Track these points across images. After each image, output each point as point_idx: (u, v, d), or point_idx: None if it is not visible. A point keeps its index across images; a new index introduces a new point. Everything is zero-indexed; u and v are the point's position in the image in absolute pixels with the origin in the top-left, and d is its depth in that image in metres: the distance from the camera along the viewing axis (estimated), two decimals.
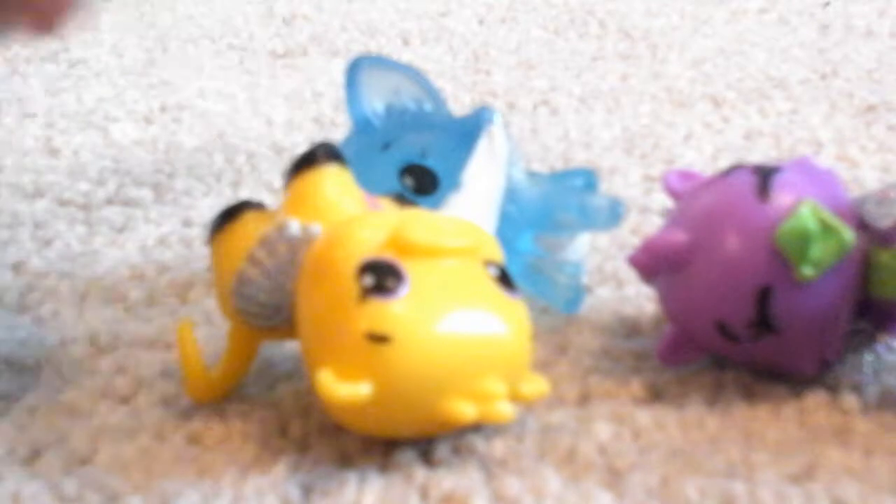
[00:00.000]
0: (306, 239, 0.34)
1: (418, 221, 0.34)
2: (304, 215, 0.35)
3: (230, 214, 0.37)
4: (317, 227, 0.34)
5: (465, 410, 0.32)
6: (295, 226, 0.34)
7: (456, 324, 0.32)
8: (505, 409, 0.32)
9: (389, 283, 0.32)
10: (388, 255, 0.33)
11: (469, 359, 0.32)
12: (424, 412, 0.32)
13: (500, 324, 0.33)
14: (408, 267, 0.33)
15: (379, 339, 0.31)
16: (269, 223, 0.35)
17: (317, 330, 0.33)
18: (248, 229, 0.36)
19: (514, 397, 0.33)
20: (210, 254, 0.38)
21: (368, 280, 0.32)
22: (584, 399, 0.37)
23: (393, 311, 0.32)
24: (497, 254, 0.35)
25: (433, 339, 0.32)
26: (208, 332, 0.41)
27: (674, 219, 0.37)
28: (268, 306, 0.35)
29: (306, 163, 0.36)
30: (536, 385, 0.34)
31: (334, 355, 0.32)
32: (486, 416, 0.32)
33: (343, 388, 0.31)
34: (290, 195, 0.36)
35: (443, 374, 0.32)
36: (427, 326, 0.32)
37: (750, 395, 0.37)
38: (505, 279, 0.34)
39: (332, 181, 0.36)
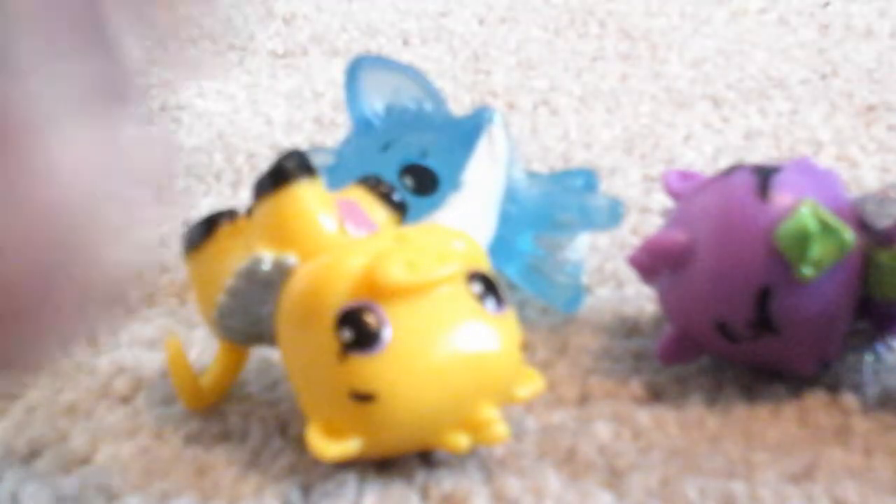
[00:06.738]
0: (282, 271, 0.33)
1: (395, 256, 0.32)
2: (280, 241, 0.34)
3: (204, 231, 0.36)
4: (292, 259, 0.33)
5: (461, 442, 0.32)
6: (267, 261, 0.33)
7: (442, 364, 0.32)
8: (500, 431, 0.32)
9: (369, 336, 0.31)
10: (366, 299, 0.32)
11: (460, 394, 0.32)
12: (419, 448, 0.33)
13: (488, 347, 0.32)
14: (388, 308, 0.32)
15: (364, 397, 0.31)
16: (243, 243, 0.34)
17: (302, 382, 0.33)
18: (224, 249, 0.35)
19: (511, 401, 0.33)
20: (188, 270, 0.37)
21: (347, 335, 0.31)
22: (584, 399, 0.37)
23: (375, 369, 0.31)
24: (480, 260, 0.34)
25: (420, 389, 0.32)
26: (208, 331, 0.41)
27: (674, 219, 0.37)
28: (250, 333, 0.36)
29: (277, 180, 0.34)
30: (531, 386, 0.34)
31: (321, 410, 0.32)
32: (482, 442, 0.32)
33: (333, 447, 0.32)
34: (262, 216, 0.34)
35: (433, 417, 0.32)
36: (412, 378, 0.31)
37: (750, 395, 0.37)
38: (490, 288, 0.33)
39: (306, 200, 0.34)
